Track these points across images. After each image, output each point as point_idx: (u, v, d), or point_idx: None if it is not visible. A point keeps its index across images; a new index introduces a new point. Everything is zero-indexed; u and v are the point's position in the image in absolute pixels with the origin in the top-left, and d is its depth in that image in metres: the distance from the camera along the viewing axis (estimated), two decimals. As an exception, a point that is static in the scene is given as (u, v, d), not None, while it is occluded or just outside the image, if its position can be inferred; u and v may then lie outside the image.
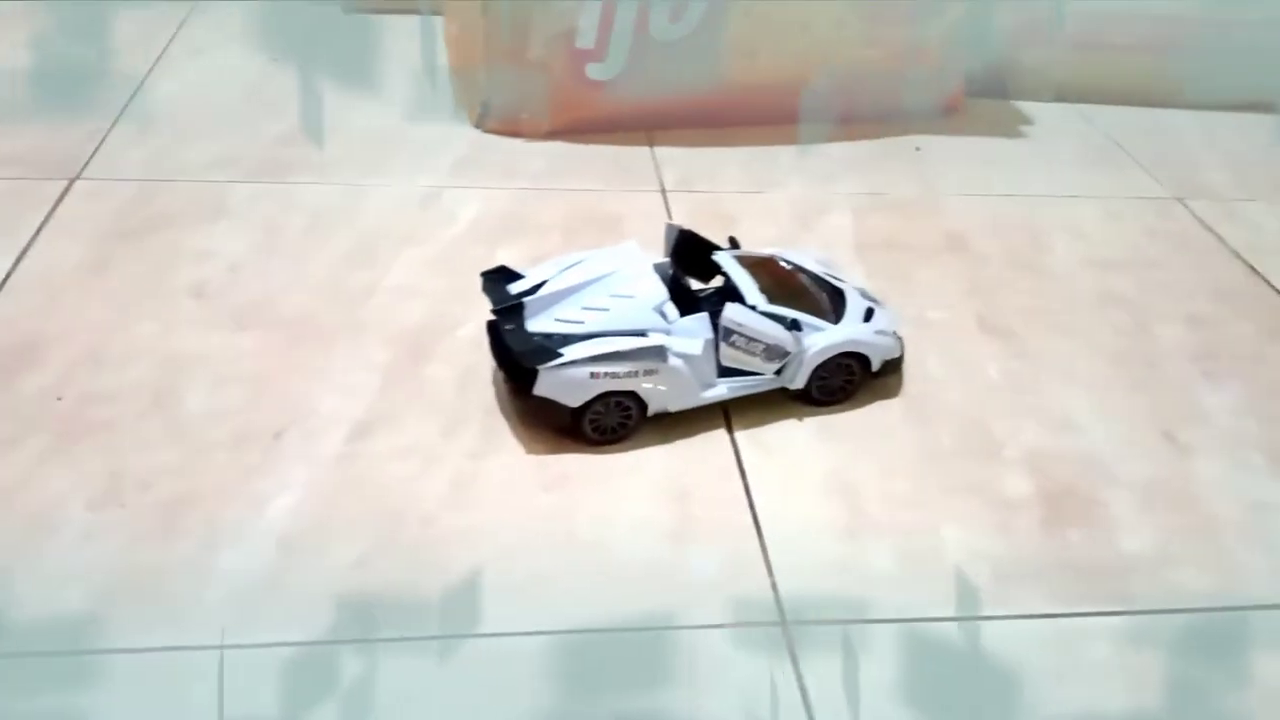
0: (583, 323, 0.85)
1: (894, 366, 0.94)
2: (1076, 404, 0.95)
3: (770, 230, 1.19)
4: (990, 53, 1.48)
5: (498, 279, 0.90)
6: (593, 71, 1.30)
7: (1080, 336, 1.04)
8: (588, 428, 0.85)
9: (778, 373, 0.90)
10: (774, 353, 0.88)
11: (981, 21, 1.45)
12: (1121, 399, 0.96)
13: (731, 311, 0.86)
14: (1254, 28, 1.51)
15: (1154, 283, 1.13)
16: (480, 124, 1.34)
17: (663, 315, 0.86)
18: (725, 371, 0.88)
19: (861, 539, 0.80)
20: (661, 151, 1.32)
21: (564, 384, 0.83)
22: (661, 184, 1.26)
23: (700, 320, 0.86)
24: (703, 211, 1.21)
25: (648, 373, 0.84)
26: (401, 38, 1.56)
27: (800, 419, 0.91)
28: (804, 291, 0.94)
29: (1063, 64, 1.51)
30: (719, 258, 0.95)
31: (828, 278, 0.97)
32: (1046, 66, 1.51)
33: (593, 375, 0.83)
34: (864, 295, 0.96)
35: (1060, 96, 1.53)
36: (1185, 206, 1.28)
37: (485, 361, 0.91)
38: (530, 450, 0.85)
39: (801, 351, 0.89)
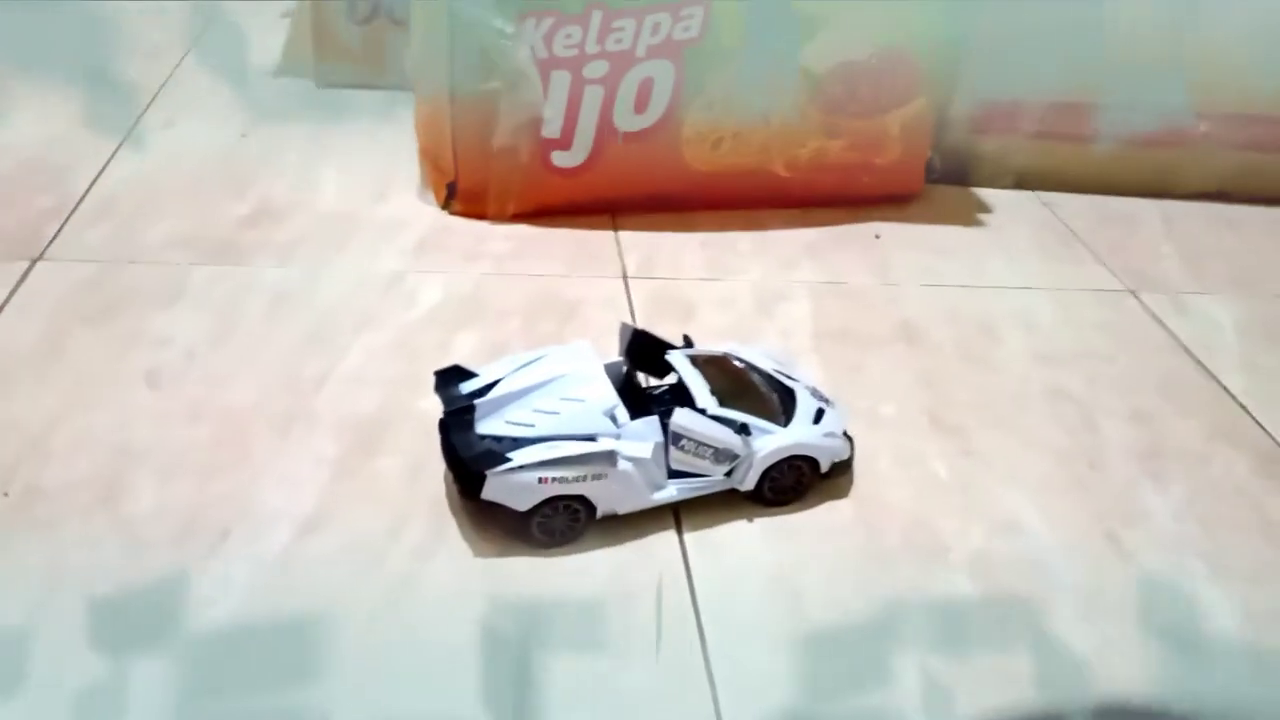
0: (533, 426, 0.85)
1: (843, 468, 0.95)
2: (1022, 504, 0.96)
3: (729, 317, 1.20)
4: (950, 141, 1.52)
5: (450, 378, 0.90)
6: (558, 159, 1.32)
7: (1027, 433, 1.05)
8: (536, 531, 0.85)
9: (728, 474, 0.91)
10: (723, 456, 0.89)
11: (942, 110, 1.48)
12: (1066, 499, 0.97)
13: (680, 417, 0.87)
14: (1214, 120, 1.55)
15: (1102, 377, 1.14)
16: (446, 206, 1.36)
17: (613, 419, 0.87)
18: (675, 473, 0.89)
19: (807, 648, 0.80)
20: (625, 236, 1.34)
21: (512, 489, 0.83)
22: (624, 269, 1.28)
23: (650, 424, 0.87)
24: (664, 297, 1.23)
25: (596, 477, 0.85)
26: (373, 115, 1.58)
27: (750, 519, 0.92)
28: (755, 392, 0.95)
29: (1022, 152, 1.55)
30: (671, 358, 0.96)
31: (779, 376, 0.98)
32: (1006, 154, 1.54)
33: (541, 480, 0.83)
34: (815, 395, 0.97)
35: (1020, 184, 1.57)
36: (1137, 299, 1.31)
37: (437, 453, 0.91)
38: (478, 552, 0.85)
39: (751, 454, 0.90)
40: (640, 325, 0.99)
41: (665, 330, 1.00)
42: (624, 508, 0.88)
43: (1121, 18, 1.45)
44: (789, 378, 0.98)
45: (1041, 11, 1.41)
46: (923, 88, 1.38)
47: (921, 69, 1.38)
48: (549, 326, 1.15)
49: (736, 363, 0.98)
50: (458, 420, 0.86)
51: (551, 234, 1.33)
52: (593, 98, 1.28)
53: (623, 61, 1.27)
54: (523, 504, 0.83)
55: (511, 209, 1.34)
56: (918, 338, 1.19)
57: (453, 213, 1.35)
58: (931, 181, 1.51)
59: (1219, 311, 1.30)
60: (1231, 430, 1.09)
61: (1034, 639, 0.83)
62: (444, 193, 1.36)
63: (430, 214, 1.36)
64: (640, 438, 0.86)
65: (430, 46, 1.32)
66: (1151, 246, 1.45)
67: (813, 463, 0.92)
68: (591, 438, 0.85)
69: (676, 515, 0.91)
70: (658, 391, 0.97)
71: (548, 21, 1.25)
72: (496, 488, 0.83)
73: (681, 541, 0.89)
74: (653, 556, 0.87)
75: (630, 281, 1.25)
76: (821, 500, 0.94)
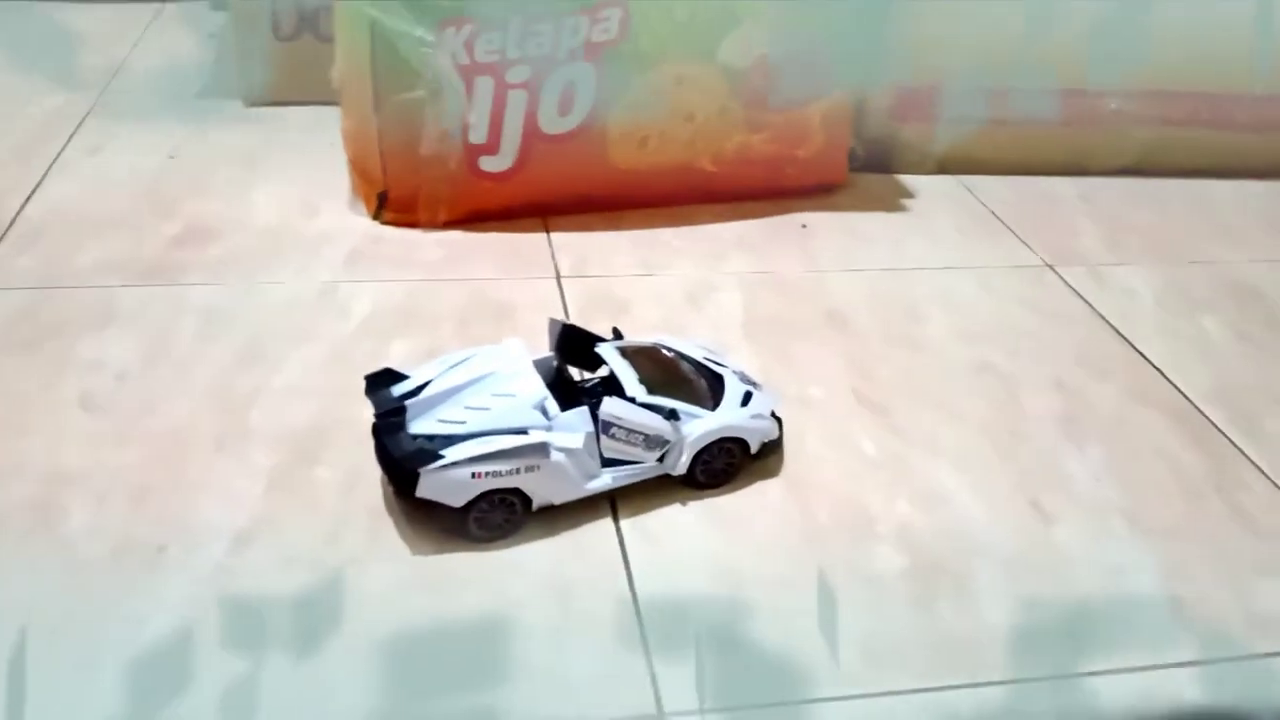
0: (464, 423, 0.87)
1: (772, 448, 0.97)
2: (947, 476, 0.99)
3: (662, 312, 1.22)
4: (872, 130, 1.55)
5: (381, 382, 0.92)
6: (486, 164, 1.33)
7: (952, 408, 1.08)
8: (473, 526, 0.87)
9: (660, 460, 0.93)
10: (654, 442, 0.91)
11: (861, 100, 1.52)
12: (989, 469, 1.00)
13: (609, 405, 0.89)
14: (1124, 98, 1.60)
15: (1023, 351, 1.18)
16: (377, 216, 1.37)
17: (544, 412, 0.88)
18: (609, 462, 0.91)
19: (743, 625, 0.82)
20: (557, 237, 1.36)
21: (446, 485, 0.85)
22: (557, 270, 1.30)
23: (580, 414, 0.89)
24: (597, 296, 1.24)
25: (529, 469, 0.87)
26: (301, 130, 1.59)
27: (684, 503, 0.94)
28: (684, 379, 0.97)
29: (942, 137, 1.59)
30: (601, 350, 0.98)
31: (708, 363, 1.00)
32: (926, 140, 1.58)
33: (474, 475, 0.85)
34: (743, 379, 1.00)
35: (942, 169, 1.61)
36: (1056, 273, 1.35)
37: (372, 461, 0.92)
38: (416, 551, 0.87)
39: (681, 439, 0.92)
40: (575, 322, 1.01)
41: (601, 327, 1.02)
42: (559, 498, 0.89)
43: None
44: (718, 364, 1.00)
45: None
46: (841, 79, 1.42)
47: (839, 60, 1.41)
48: (484, 330, 1.16)
49: (665, 352, 1.00)
50: (389, 422, 0.88)
51: (484, 239, 1.35)
52: (517, 102, 1.30)
53: (544, 65, 1.29)
54: (458, 500, 0.85)
55: (443, 216, 1.35)
56: (845, 322, 1.22)
57: (384, 223, 1.36)
58: (855, 170, 1.54)
59: (1135, 281, 1.34)
60: (1148, 393, 1.13)
61: (960, 605, 0.85)
62: (375, 203, 1.37)
63: (362, 225, 1.36)
64: (571, 429, 0.88)
65: (353, 59, 1.33)
66: (1070, 223, 1.49)
67: (742, 444, 0.94)
68: (523, 431, 0.87)
69: (613, 504, 0.92)
70: (589, 384, 0.98)
71: (468, 28, 1.26)
72: (431, 485, 0.84)
73: (618, 529, 0.91)
74: (590, 546, 0.89)
75: (564, 282, 1.27)
76: (753, 481, 0.96)
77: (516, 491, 0.87)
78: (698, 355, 1.01)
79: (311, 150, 1.52)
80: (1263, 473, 1.01)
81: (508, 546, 0.88)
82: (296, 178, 1.46)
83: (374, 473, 0.93)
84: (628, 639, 0.80)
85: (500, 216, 1.36)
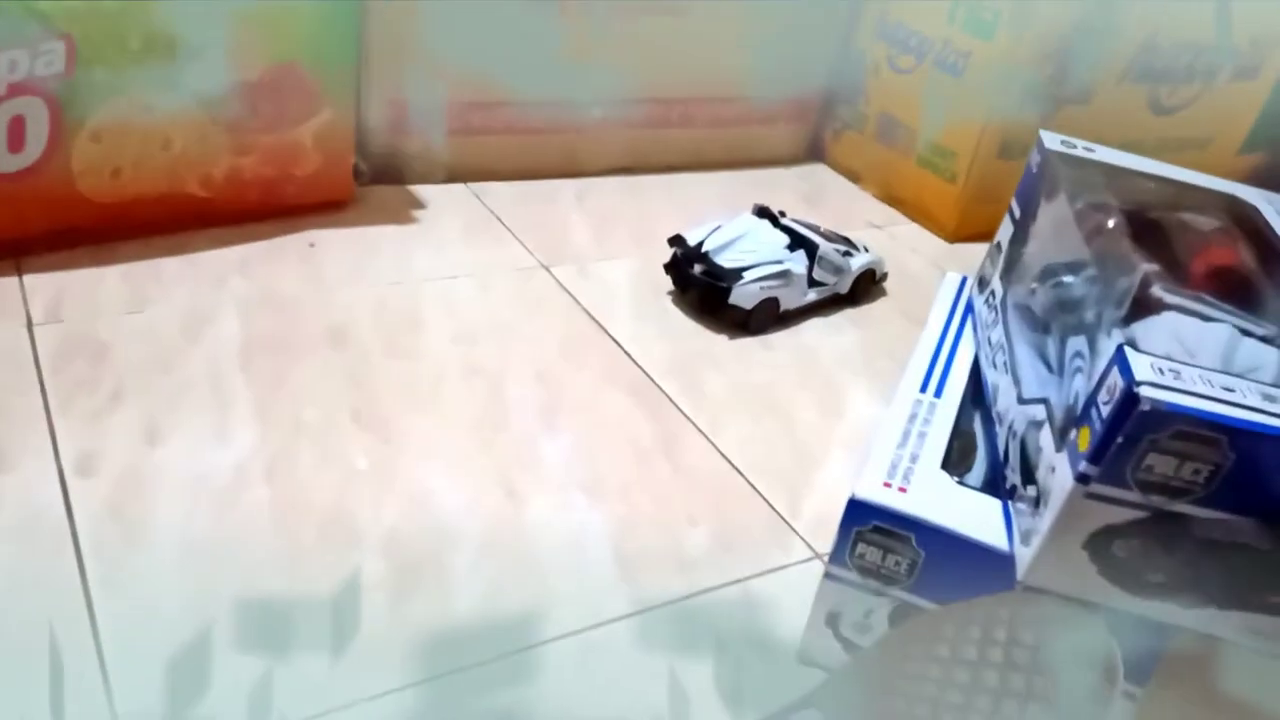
0: (744, 260, 1.41)
1: (884, 276, 1.61)
2: (434, 478, 1.07)
3: (150, 349, 1.18)
4: (377, 145, 1.61)
5: (678, 241, 1.46)
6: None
7: (444, 412, 1.17)
8: (752, 322, 1.41)
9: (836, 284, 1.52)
10: (838, 270, 1.49)
11: (359, 117, 1.56)
12: (474, 463, 1.10)
13: (825, 249, 1.48)
14: (613, 105, 1.78)
15: (512, 349, 1.30)
16: None
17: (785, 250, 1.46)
18: (812, 283, 1.48)
19: (214, 645, 0.84)
20: (30, 280, 1.27)
21: (745, 295, 1.39)
22: (29, 317, 1.21)
23: (802, 255, 1.46)
24: (74, 342, 1.18)
25: (784, 285, 1.42)
26: None
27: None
28: (831, 235, 1.56)
29: (448, 148, 1.68)
30: (785, 222, 1.51)
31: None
32: (431, 152, 1.66)
33: (761, 289, 1.40)
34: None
35: (453, 177, 1.70)
36: (548, 272, 1.49)
37: None
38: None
39: (848, 269, 1.51)
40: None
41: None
42: (793, 305, 1.45)
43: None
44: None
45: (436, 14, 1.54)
46: (326, 98, 1.44)
47: (319, 81, 1.43)
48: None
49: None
50: (702, 257, 1.41)
51: (-57, 287, 1.23)
52: (-47, 139, 1.19)
53: (-15, 99, 1.19)
54: (750, 304, 1.39)
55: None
56: (346, 339, 1.26)
57: None
58: (365, 185, 1.59)
59: (615, 273, 1.52)
60: (616, 374, 1.29)
61: (434, 600, 0.93)
62: None
63: None
64: (799, 262, 1.45)
65: None
66: (565, 222, 1.65)
67: (872, 273, 1.57)
68: (780, 263, 1.42)
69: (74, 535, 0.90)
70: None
71: (-114, 60, 1.13)
72: (738, 295, 1.38)
73: (78, 553, 0.89)
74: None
75: (35, 330, 1.19)
76: (231, 512, 0.98)
77: (776, 300, 1.41)
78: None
79: None
80: (700, 430, 1.20)
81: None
82: None
83: None
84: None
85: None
